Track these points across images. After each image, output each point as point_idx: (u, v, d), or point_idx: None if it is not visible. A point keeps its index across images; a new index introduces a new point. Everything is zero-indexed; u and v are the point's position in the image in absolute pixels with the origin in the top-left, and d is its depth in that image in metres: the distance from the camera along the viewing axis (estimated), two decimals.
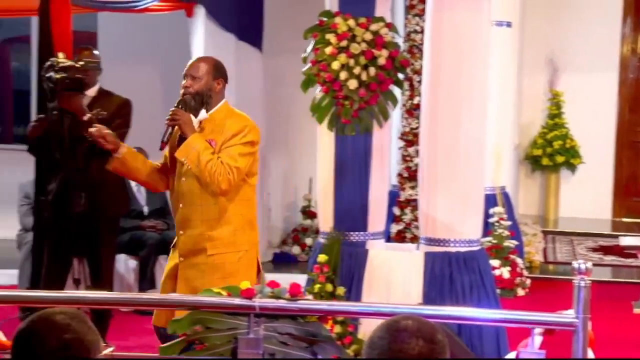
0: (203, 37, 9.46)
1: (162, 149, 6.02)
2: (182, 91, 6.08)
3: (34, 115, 9.31)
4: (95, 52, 8.14)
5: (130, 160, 6.13)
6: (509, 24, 10.30)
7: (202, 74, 6.04)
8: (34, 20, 9.79)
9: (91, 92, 7.87)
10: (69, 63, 7.34)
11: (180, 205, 6.01)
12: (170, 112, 5.92)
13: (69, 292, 6.96)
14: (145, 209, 9.97)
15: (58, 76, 7.27)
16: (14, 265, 9.43)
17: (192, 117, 5.97)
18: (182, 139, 5.91)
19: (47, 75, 7.33)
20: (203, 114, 6.03)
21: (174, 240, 6.20)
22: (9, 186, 9.70)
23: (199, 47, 9.49)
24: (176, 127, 5.96)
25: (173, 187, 6.11)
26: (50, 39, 8.32)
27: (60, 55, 7.62)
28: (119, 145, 6.09)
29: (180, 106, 5.98)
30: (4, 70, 15.03)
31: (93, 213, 7.12)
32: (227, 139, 5.94)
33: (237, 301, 4.77)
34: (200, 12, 9.44)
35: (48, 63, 7.51)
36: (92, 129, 6.08)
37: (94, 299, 5.93)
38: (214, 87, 6.06)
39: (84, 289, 7.30)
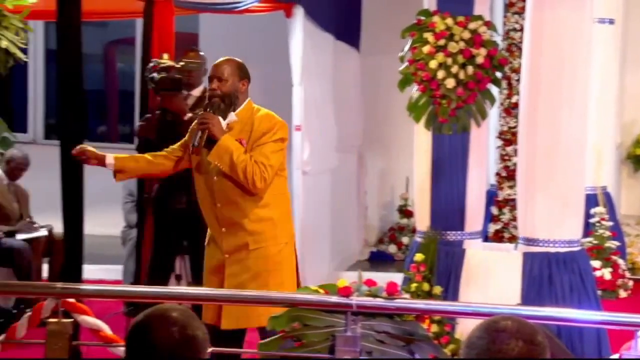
0: (301, 37, 9.44)
1: (194, 153, 5.98)
2: (208, 94, 6.09)
3: (137, 115, 9.39)
4: (201, 53, 8.17)
5: (124, 164, 6.15)
6: (611, 21, 10.16)
7: (228, 75, 6.03)
8: (139, 23, 9.86)
9: (196, 92, 7.91)
10: (170, 64, 7.38)
11: (218, 204, 5.99)
12: (200, 116, 5.92)
13: (172, 288, 6.99)
14: None
15: (159, 77, 7.32)
16: (119, 261, 9.52)
17: (221, 118, 5.94)
18: (211, 141, 5.88)
19: (150, 75, 7.38)
20: (232, 115, 6.02)
21: (207, 238, 6.18)
22: (114, 184, 9.78)
23: (297, 47, 9.47)
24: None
25: (202, 186, 6.10)
26: (154, 41, 8.39)
27: (165, 56, 7.69)
28: (103, 157, 6.08)
29: (209, 109, 5.97)
30: (109, 71, 15.24)
31: (194, 211, 7.12)
32: (257, 138, 5.96)
33: (335, 299, 4.75)
34: (299, 12, 9.42)
35: (150, 64, 7.56)
36: (73, 150, 6.04)
37: (196, 294, 5.95)
38: (239, 87, 6.06)
39: (185, 285, 7.32)
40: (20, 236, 9.52)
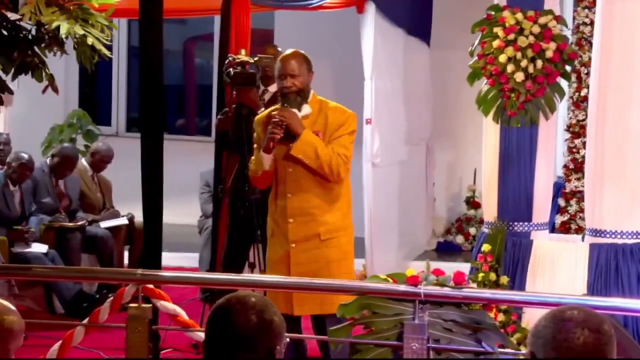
0: (373, 32, 9.43)
1: (266, 150, 5.98)
2: (283, 91, 6.10)
3: (214, 109, 9.44)
4: (279, 49, 8.19)
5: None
6: None
7: (299, 70, 6.05)
8: (217, 19, 9.92)
9: (272, 87, 7.92)
10: (245, 59, 7.40)
11: (289, 195, 6.00)
12: (278, 112, 5.92)
13: (246, 276, 7.02)
14: None
15: (234, 72, 7.35)
16: (195, 250, 9.58)
17: (296, 111, 5.95)
18: (289, 135, 5.88)
19: (226, 71, 7.42)
20: (306, 108, 6.04)
21: (271, 229, 6.21)
22: (191, 175, 9.85)
23: (369, 42, 9.47)
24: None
25: (274, 177, 6.13)
26: (231, 37, 8.43)
27: (242, 52, 7.72)
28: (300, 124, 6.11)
29: (286, 105, 6.00)
30: (188, 67, 15.34)
31: (266, 202, 7.14)
32: (333, 130, 5.99)
33: (403, 288, 4.75)
34: (370, 8, 9.43)
35: (227, 59, 7.60)
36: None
37: (269, 282, 5.98)
38: (309, 80, 6.11)
39: (259, 273, 7.35)
40: (103, 224, 9.64)
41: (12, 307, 3.32)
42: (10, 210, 9.15)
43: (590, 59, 7.95)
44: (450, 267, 5.21)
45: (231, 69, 7.42)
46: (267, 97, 7.82)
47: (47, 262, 8.73)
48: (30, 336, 6.55)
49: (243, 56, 7.49)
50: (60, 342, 5.39)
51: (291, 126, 5.85)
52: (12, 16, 4.33)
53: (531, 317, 6.71)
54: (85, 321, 5.48)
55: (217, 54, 9.57)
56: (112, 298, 5.34)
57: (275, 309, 3.16)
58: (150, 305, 5.20)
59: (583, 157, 8.93)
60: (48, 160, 9.87)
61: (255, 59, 7.49)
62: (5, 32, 4.29)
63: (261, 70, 7.59)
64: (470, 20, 7.56)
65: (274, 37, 12.59)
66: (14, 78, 4.50)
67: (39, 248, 8.93)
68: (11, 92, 4.51)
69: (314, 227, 5.99)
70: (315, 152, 5.84)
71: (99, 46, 4.41)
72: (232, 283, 5.41)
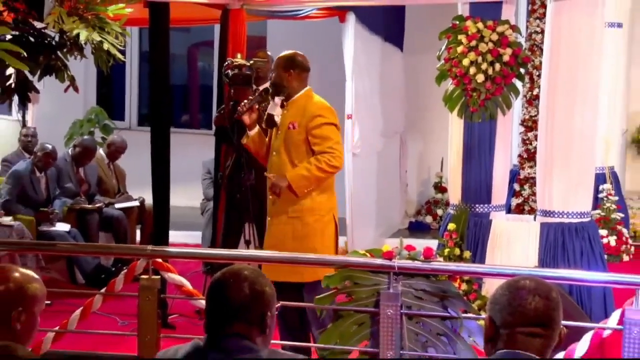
0: (353, 39, 9.42)
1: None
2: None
3: (215, 106, 9.43)
4: (269, 53, 8.17)
5: (257, 141, 6.17)
6: (619, 25, 10.06)
7: (274, 67, 6.12)
8: (217, 28, 9.89)
9: (263, 86, 7.90)
10: (242, 62, 7.38)
11: (270, 176, 5.97)
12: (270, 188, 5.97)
13: (242, 251, 7.02)
14: None
15: (232, 73, 7.34)
16: (198, 228, 9.58)
17: (272, 101, 6.08)
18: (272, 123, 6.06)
19: (225, 72, 7.39)
20: (277, 100, 6.07)
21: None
22: (194, 163, 9.84)
23: (349, 48, 9.47)
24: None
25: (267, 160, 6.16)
26: (229, 43, 8.41)
27: (238, 56, 7.70)
28: (254, 126, 6.10)
29: (257, 94, 6.33)
30: (192, 69, 15.30)
31: (260, 187, 7.12)
32: (309, 120, 5.93)
33: (380, 261, 4.76)
34: (351, 18, 9.41)
35: (226, 62, 7.58)
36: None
37: (262, 257, 5.98)
38: (285, 77, 6.05)
39: (253, 249, 7.34)
40: (118, 206, 9.63)
41: (36, 276, 3.32)
42: (37, 194, 9.14)
43: (541, 62, 7.98)
44: (420, 244, 5.21)
45: (229, 71, 7.40)
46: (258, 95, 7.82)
47: (69, 239, 8.73)
48: (55, 303, 6.58)
49: (240, 59, 7.48)
50: (81, 308, 5.39)
51: (280, 188, 5.87)
52: (38, 25, 4.32)
53: (490, 287, 6.74)
54: (102, 290, 5.47)
55: (217, 58, 9.55)
56: (126, 270, 5.33)
57: (267, 280, 3.15)
58: (159, 276, 5.20)
59: (535, 147, 8.96)
60: (70, 151, 9.85)
61: (251, 62, 7.48)
62: (32, 39, 4.27)
63: (254, 72, 7.58)
64: (438, 29, 7.58)
65: (267, 43, 12.56)
66: (40, 79, 4.49)
67: (62, 227, 8.92)
68: (37, 92, 4.50)
69: (285, 206, 5.96)
70: (309, 181, 5.85)
71: (113, 51, 4.40)
72: (230, 258, 5.42)
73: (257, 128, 6.20)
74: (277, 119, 6.07)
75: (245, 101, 6.18)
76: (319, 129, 5.92)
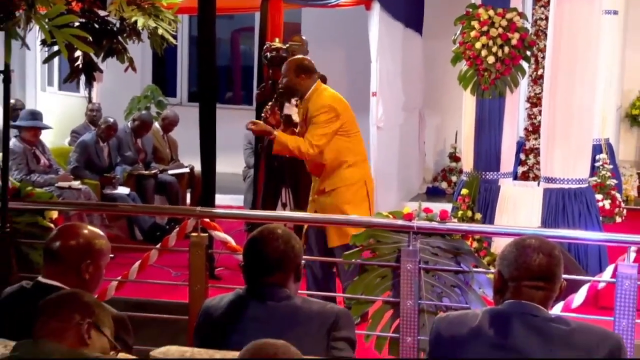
0: (377, 25, 9.39)
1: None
2: (279, 88, 6.24)
3: (255, 84, 9.43)
4: (303, 37, 8.15)
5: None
6: (615, 12, 9.96)
7: (286, 73, 6.05)
8: (257, 15, 9.87)
9: None
10: (279, 46, 7.37)
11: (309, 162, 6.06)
12: (253, 126, 5.99)
13: (279, 212, 7.04)
14: None
15: (270, 55, 7.33)
16: (240, 192, 9.62)
17: (287, 103, 6.28)
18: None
19: (264, 55, 7.39)
20: (292, 101, 6.27)
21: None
22: (237, 135, 9.84)
23: (374, 33, 9.44)
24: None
25: None
26: (268, 28, 8.40)
27: (276, 40, 7.68)
28: (280, 124, 6.15)
29: (277, 97, 6.28)
30: (234, 52, 15.28)
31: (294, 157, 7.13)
32: (310, 116, 5.93)
33: (401, 222, 4.76)
34: (376, 6, 9.37)
35: (265, 46, 7.56)
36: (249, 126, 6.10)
37: (297, 218, 6.00)
38: (297, 82, 6.00)
39: (289, 211, 7.36)
40: (171, 172, 9.68)
41: (101, 233, 3.35)
42: (101, 161, 9.20)
43: (545, 46, 7.98)
44: (436, 207, 5.19)
45: (268, 53, 7.40)
46: None
47: (129, 201, 8.78)
48: (118, 256, 6.64)
49: (277, 43, 7.47)
50: (139, 261, 5.44)
51: (266, 134, 5.92)
52: (102, 13, 4.33)
53: (498, 245, 6.74)
54: (158, 246, 5.52)
55: (257, 41, 9.51)
56: (178, 229, 5.36)
57: (297, 238, 3.21)
58: (206, 234, 5.23)
59: (539, 122, 8.90)
60: (129, 124, 9.90)
61: (287, 45, 7.46)
62: (97, 26, 4.28)
63: (290, 54, 7.56)
64: (453, 15, 7.57)
65: (301, 28, 12.52)
66: (103, 60, 4.49)
67: (123, 190, 8.98)
68: (101, 71, 4.50)
69: (322, 184, 6.02)
70: (287, 147, 5.85)
71: (167, 36, 4.40)
72: (268, 218, 5.44)
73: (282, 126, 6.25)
74: (295, 117, 6.10)
75: (267, 107, 6.19)
76: (312, 121, 5.93)
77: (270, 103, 6.35)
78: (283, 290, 3.10)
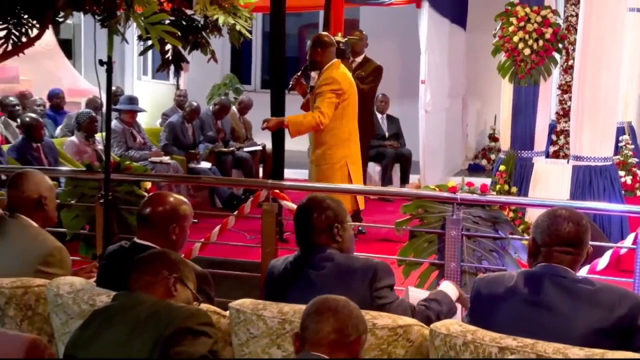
0: (426, 20, 9.32)
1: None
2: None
3: None
4: (364, 32, 8.11)
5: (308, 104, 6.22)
6: (639, 9, 9.72)
7: (308, 49, 6.07)
8: (321, 13, 9.85)
9: (359, 58, 7.86)
10: (339, 39, 7.34)
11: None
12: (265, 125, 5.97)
13: (336, 185, 7.03)
14: (386, 134, 9.94)
15: None
16: (305, 167, 9.60)
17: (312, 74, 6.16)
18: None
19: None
20: (314, 73, 6.15)
21: None
22: None
23: (423, 27, 9.37)
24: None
25: None
26: (330, 24, 8.38)
27: (339, 34, 7.64)
28: (306, 94, 6.25)
29: (302, 70, 6.20)
30: (301, 45, 15.26)
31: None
32: (320, 86, 5.94)
33: (446, 194, 4.73)
34: (425, 4, 9.29)
35: None
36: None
37: (352, 189, 6.00)
38: (317, 55, 6.00)
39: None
40: (246, 150, 9.75)
41: (186, 200, 3.39)
42: (186, 139, 9.31)
43: (575, 39, 7.85)
44: (477, 181, 5.16)
45: None
46: (354, 65, 7.76)
47: (210, 174, 8.89)
48: (201, 222, 6.72)
49: (338, 37, 7.43)
50: (219, 226, 5.49)
51: (270, 122, 5.89)
52: (189, 12, 4.37)
53: (531, 215, 6.68)
54: (235, 213, 5.57)
55: None
56: (252, 198, 5.40)
57: (344, 205, 3.23)
58: (276, 203, 5.25)
59: (569, 106, 8.79)
60: (211, 107, 10.00)
61: (345, 39, 7.43)
62: (184, 23, 4.32)
63: (350, 46, 7.53)
64: (494, 12, 7.47)
65: (359, 24, 12.46)
66: (189, 53, 4.54)
67: (205, 165, 9.09)
68: (187, 62, 4.55)
69: (312, 155, 6.16)
70: (302, 126, 5.88)
71: (243, 31, 4.41)
72: (328, 190, 5.43)
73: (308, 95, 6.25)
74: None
75: (294, 77, 6.18)
76: (320, 90, 5.90)
77: (296, 74, 6.31)
78: (328, 250, 3.11)
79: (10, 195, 3.64)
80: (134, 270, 2.65)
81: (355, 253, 3.28)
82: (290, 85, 6.24)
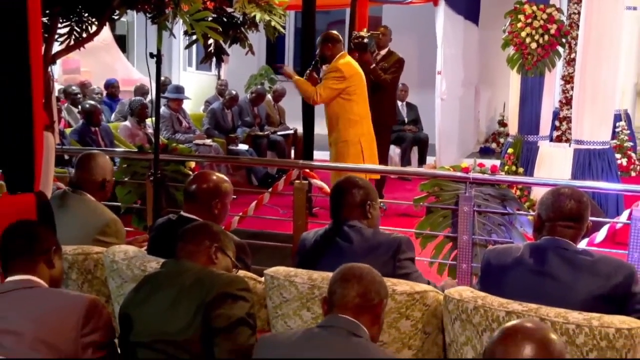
0: (443, 17, 9.24)
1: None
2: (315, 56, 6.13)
3: None
4: (389, 28, 8.05)
5: None
6: (635, 8, 9.59)
7: (318, 45, 6.02)
8: (347, 10, 9.79)
9: (383, 52, 7.79)
10: (363, 34, 7.29)
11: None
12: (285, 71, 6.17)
13: (361, 165, 7.02)
14: (406, 119, 9.89)
15: (355, 42, 7.25)
16: None
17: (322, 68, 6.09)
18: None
19: (352, 41, 7.32)
20: (324, 67, 6.06)
21: None
22: None
23: (440, 24, 9.29)
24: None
25: None
26: (356, 21, 8.34)
27: (364, 30, 7.59)
28: (292, 75, 6.19)
29: (313, 64, 6.08)
30: None
31: (379, 122, 7.03)
32: (326, 74, 5.95)
33: (459, 174, 4.71)
34: (442, 3, 9.20)
35: (352, 35, 7.49)
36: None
37: (378, 169, 5.98)
38: (326, 50, 5.98)
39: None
40: (279, 134, 9.75)
41: (227, 178, 3.40)
42: (226, 124, 9.34)
43: (577, 35, 7.73)
44: (488, 162, 5.12)
45: (355, 40, 7.32)
46: (378, 58, 7.71)
47: (247, 155, 8.91)
48: (239, 197, 6.74)
49: (363, 33, 7.38)
50: (255, 201, 5.52)
51: (287, 73, 6.10)
52: (229, 10, 4.35)
53: (537, 193, 6.62)
54: (269, 190, 5.58)
55: (347, 31, 9.45)
56: (285, 177, 5.41)
57: (369, 183, 3.23)
58: (307, 181, 5.26)
59: (571, 95, 8.67)
60: (248, 95, 10.01)
61: (368, 34, 7.37)
62: (225, 19, 4.31)
63: (373, 41, 7.47)
64: (503, 10, 7.37)
65: (382, 21, 12.37)
66: (229, 46, 4.53)
67: (243, 147, 9.12)
68: (227, 55, 4.54)
69: (329, 138, 6.11)
70: (301, 88, 5.95)
71: (278, 27, 4.39)
72: (354, 170, 5.42)
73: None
74: None
75: (307, 71, 6.14)
76: (325, 77, 5.92)
77: (309, 69, 6.29)
78: (359, 225, 3.11)
79: (78, 175, 3.69)
80: (180, 240, 2.66)
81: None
82: (305, 76, 6.23)
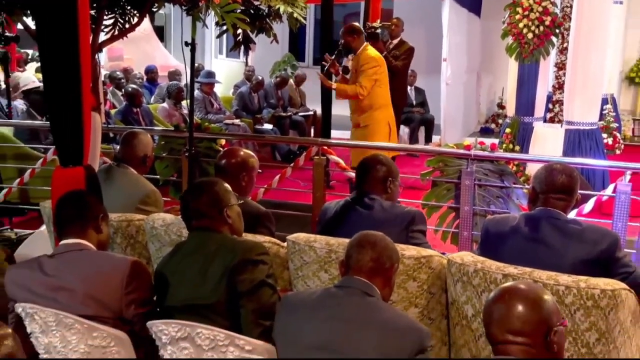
0: (448, 10, 9.14)
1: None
2: (339, 46, 5.93)
3: None
4: (401, 19, 7.94)
5: (342, 81, 5.93)
6: (621, 2, 9.43)
7: (342, 35, 5.85)
8: (362, 3, 9.70)
9: (395, 41, 7.70)
10: (375, 25, 7.20)
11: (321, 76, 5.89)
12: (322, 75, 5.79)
13: (376, 142, 6.98)
14: (414, 102, 9.81)
15: (368, 32, 7.17)
16: (349, 128, 9.52)
17: (345, 58, 5.89)
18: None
19: (366, 32, 7.23)
20: (349, 57, 5.87)
21: None
22: None
23: (445, 16, 9.19)
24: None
25: None
26: (370, 13, 8.24)
27: (378, 21, 7.50)
28: (339, 73, 5.94)
29: (336, 53, 5.86)
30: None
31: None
32: (359, 66, 5.75)
33: (462, 151, 4.69)
34: None
35: (366, 26, 7.40)
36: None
37: (392, 147, 5.94)
38: (350, 41, 5.81)
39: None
40: (300, 114, 9.72)
41: (253, 154, 3.39)
42: (253, 106, 9.32)
43: (569, 26, 7.62)
44: (488, 141, 5.09)
45: (369, 31, 7.23)
46: (391, 46, 7.63)
47: (272, 134, 8.90)
48: (264, 171, 6.70)
49: (376, 24, 7.29)
50: (278, 175, 5.52)
51: (329, 86, 5.75)
52: (255, 2, 4.32)
53: (532, 169, 6.58)
54: (291, 165, 5.58)
55: (362, 23, 9.36)
56: (305, 153, 5.39)
57: (389, 160, 3.18)
58: (325, 157, 5.24)
59: (563, 81, 8.58)
60: (273, 80, 9.96)
61: (380, 25, 7.29)
62: (252, 11, 4.28)
63: (386, 31, 7.39)
64: (503, 3, 7.29)
65: (393, 12, 12.24)
66: (256, 35, 4.51)
67: (268, 127, 9.11)
68: (254, 43, 4.52)
69: (357, 120, 5.95)
70: (346, 92, 5.72)
71: (299, 18, 4.36)
72: (368, 147, 5.38)
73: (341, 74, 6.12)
74: (350, 67, 5.96)
75: (330, 59, 6.05)
76: (363, 69, 5.75)
77: (331, 58, 6.19)
78: (377, 199, 3.10)
79: (122, 151, 3.71)
80: (194, 219, 2.58)
81: None
82: (326, 67, 6.14)
